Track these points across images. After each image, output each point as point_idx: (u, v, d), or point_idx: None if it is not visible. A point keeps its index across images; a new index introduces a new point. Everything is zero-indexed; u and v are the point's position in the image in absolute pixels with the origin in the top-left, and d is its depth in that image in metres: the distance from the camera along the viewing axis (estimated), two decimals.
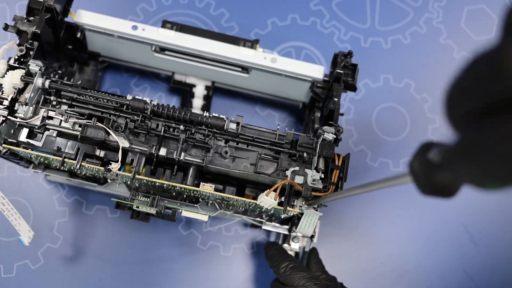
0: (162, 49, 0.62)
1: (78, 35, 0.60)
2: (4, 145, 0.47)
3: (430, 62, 0.75)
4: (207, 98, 0.67)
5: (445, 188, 0.24)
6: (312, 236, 0.56)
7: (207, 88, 0.66)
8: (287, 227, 0.60)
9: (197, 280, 0.64)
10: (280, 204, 0.49)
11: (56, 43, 0.57)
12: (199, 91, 0.66)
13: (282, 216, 0.54)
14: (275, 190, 0.47)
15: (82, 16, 0.58)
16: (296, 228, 0.52)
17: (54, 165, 0.53)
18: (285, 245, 0.63)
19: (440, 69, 0.74)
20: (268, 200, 0.47)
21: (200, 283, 0.64)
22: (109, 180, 0.56)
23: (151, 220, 0.53)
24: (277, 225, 0.58)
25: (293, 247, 0.63)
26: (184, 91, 0.67)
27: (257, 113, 0.71)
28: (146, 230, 0.65)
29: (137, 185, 0.53)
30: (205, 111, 0.66)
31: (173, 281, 0.64)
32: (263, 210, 0.52)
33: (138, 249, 0.64)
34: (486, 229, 0.68)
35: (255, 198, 0.57)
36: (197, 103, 0.66)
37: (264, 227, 0.57)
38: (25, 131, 0.47)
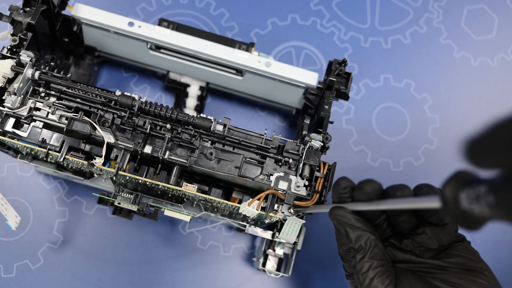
0: (158, 47, 0.62)
1: (75, 28, 0.60)
2: None
3: (430, 62, 0.75)
4: (201, 99, 0.66)
5: (478, 224, 0.23)
6: (295, 243, 0.56)
7: (201, 88, 0.66)
8: (271, 232, 0.60)
9: (197, 280, 0.64)
10: (263, 209, 0.48)
11: (51, 35, 0.58)
12: (193, 91, 0.66)
13: (266, 221, 0.54)
14: (258, 199, 0.46)
15: (80, 10, 0.58)
16: (279, 234, 0.51)
17: (40, 157, 0.53)
18: (270, 251, 0.63)
19: (440, 69, 0.74)
20: (250, 210, 0.47)
21: (200, 283, 0.64)
22: (95, 175, 0.56)
23: (151, 220, 0.53)
24: (261, 230, 0.58)
25: (278, 253, 0.63)
26: (178, 90, 0.67)
27: (251, 117, 0.70)
28: (146, 230, 0.65)
29: (123, 181, 0.53)
30: (198, 112, 0.66)
31: (173, 281, 0.63)
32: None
33: (138, 249, 0.64)
34: (487, 230, 0.67)
35: (241, 201, 0.57)
36: (191, 103, 0.66)
37: (248, 231, 0.57)
38: (11, 121, 0.47)
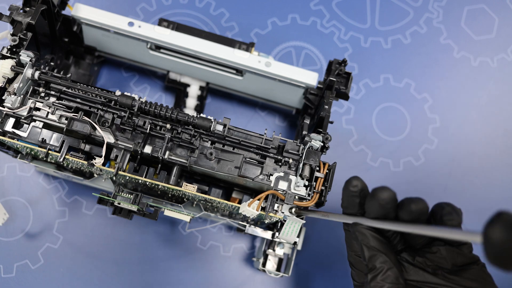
0: (158, 47, 0.62)
1: (75, 28, 0.60)
2: None
3: (430, 62, 0.75)
4: (201, 99, 0.67)
5: None
6: (295, 243, 0.55)
7: (201, 88, 0.66)
8: (271, 232, 0.60)
9: (197, 280, 0.64)
10: (263, 209, 0.48)
11: (51, 35, 0.58)
12: (193, 91, 0.66)
13: (266, 221, 0.54)
14: (258, 200, 0.46)
15: (79, 10, 0.58)
16: (279, 234, 0.51)
17: (40, 157, 0.53)
18: (270, 251, 0.63)
19: (440, 69, 0.74)
20: (249, 210, 0.47)
21: (200, 283, 0.64)
22: (95, 175, 0.56)
23: (151, 220, 0.53)
24: (261, 230, 0.58)
25: (278, 253, 0.63)
26: (178, 90, 0.67)
27: (251, 117, 0.70)
28: (146, 230, 0.65)
29: (123, 181, 0.53)
30: (198, 112, 0.66)
31: (173, 281, 0.63)
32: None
33: (138, 249, 0.64)
34: None
35: (241, 201, 0.57)
36: (191, 103, 0.66)
37: (248, 231, 0.57)
38: (11, 121, 0.47)
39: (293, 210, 0.48)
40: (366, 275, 0.39)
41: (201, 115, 0.48)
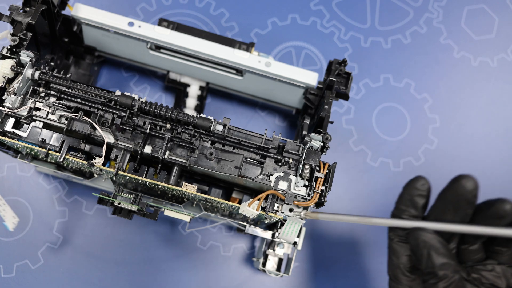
0: (158, 47, 0.62)
1: (75, 28, 0.60)
2: None
3: (430, 62, 0.75)
4: (201, 99, 0.67)
5: None
6: (295, 243, 0.56)
7: (201, 88, 0.66)
8: (272, 232, 0.60)
9: (197, 280, 0.64)
10: (263, 209, 0.48)
11: (51, 35, 0.58)
12: (193, 91, 0.66)
13: (266, 221, 0.54)
14: (258, 199, 0.46)
15: (79, 10, 0.58)
16: (279, 234, 0.51)
17: (40, 157, 0.53)
18: (270, 251, 0.63)
19: (440, 69, 0.75)
20: (249, 210, 0.47)
21: (200, 283, 0.64)
22: (95, 175, 0.56)
23: (151, 220, 0.53)
24: (261, 230, 0.58)
25: (278, 253, 0.63)
26: (179, 90, 0.67)
27: (251, 117, 0.70)
28: (146, 230, 0.65)
29: (123, 181, 0.53)
30: (198, 112, 0.66)
31: (173, 281, 0.63)
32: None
33: (138, 249, 0.64)
34: None
35: (241, 201, 0.57)
36: (191, 103, 0.66)
37: (248, 231, 0.57)
38: (11, 121, 0.47)
39: (303, 213, 0.47)
40: (434, 284, 0.36)
41: (201, 115, 0.48)
